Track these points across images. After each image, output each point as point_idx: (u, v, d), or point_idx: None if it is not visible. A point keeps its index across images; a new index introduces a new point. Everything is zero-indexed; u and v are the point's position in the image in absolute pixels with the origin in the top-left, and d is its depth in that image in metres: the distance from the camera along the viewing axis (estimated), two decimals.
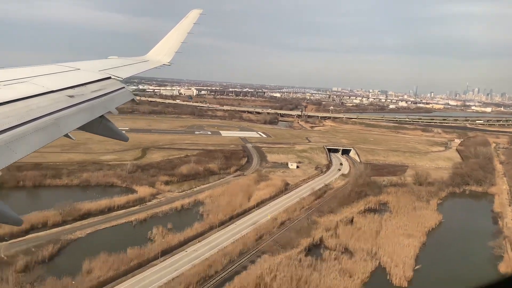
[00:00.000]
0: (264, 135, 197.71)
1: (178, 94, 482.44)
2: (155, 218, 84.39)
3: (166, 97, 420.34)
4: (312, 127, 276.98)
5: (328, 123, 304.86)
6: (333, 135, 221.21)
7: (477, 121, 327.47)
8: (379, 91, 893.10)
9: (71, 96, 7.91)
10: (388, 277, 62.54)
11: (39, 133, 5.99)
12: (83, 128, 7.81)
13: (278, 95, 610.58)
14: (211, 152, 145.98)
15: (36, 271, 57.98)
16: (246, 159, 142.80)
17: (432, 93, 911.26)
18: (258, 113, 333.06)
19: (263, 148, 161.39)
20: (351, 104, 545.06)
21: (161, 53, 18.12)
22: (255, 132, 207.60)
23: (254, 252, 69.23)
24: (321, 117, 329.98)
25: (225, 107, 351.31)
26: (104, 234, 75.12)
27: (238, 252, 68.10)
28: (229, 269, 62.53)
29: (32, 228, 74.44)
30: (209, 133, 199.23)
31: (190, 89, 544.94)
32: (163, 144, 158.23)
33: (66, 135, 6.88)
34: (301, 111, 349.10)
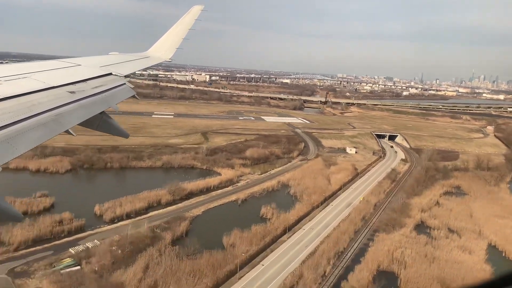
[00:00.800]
0: (307, 121, 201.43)
1: (191, 79, 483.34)
2: (253, 198, 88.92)
3: (181, 82, 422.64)
4: (341, 113, 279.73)
5: (354, 109, 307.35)
6: (371, 121, 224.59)
7: (508, 109, 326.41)
8: (384, 78, 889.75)
9: (72, 92, 7.89)
10: (503, 254, 67.18)
11: (40, 128, 5.95)
12: (84, 124, 7.77)
13: (287, 81, 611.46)
14: (267, 137, 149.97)
15: (183, 244, 62.58)
16: (303, 144, 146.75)
17: (438, 80, 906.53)
18: (281, 99, 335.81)
19: (313, 133, 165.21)
20: (364, 91, 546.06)
21: (162, 49, 18.08)
22: (295, 118, 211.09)
23: (367, 230, 73.85)
24: (345, 103, 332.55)
25: (247, 93, 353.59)
26: (216, 212, 79.67)
27: (352, 230, 72.72)
28: (354, 246, 67.21)
29: (150, 207, 79.26)
30: (252, 118, 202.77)
31: (201, 74, 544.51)
32: (217, 129, 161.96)
33: (67, 131, 6.88)
34: (325, 98, 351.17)
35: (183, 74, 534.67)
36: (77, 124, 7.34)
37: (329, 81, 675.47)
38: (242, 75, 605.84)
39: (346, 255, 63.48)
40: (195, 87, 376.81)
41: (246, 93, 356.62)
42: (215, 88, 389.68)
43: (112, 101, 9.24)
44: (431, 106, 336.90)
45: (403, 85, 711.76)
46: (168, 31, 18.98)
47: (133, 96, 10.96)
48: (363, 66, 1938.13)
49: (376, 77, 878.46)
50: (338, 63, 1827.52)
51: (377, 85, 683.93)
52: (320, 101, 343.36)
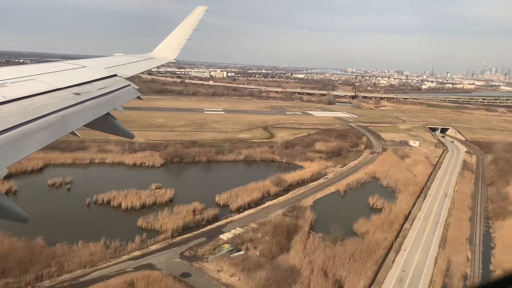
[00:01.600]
0: (354, 115, 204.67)
1: (209, 76, 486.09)
2: (351, 189, 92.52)
3: (202, 79, 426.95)
4: (376, 107, 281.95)
5: (386, 103, 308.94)
6: (414, 114, 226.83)
7: None
8: (395, 71, 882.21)
9: (77, 94, 7.91)
10: None
11: (45, 130, 5.98)
12: (90, 125, 7.79)
13: (302, 76, 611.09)
14: (327, 131, 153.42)
15: (320, 231, 66.30)
16: (365, 137, 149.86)
17: (449, 73, 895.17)
18: (309, 93, 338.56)
19: (369, 127, 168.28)
20: (383, 85, 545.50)
21: (167, 50, 18.21)
22: (340, 112, 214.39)
23: (479, 218, 77.41)
24: (379, 97, 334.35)
25: (274, 89, 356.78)
26: (325, 202, 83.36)
27: (466, 218, 76.47)
28: (476, 232, 70.68)
29: (263, 197, 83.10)
30: (299, 113, 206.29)
31: (216, 71, 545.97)
32: (274, 124, 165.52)
33: (73, 132, 6.92)
34: (354, 92, 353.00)
35: (200, 71, 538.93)
36: (83, 126, 7.37)
37: (343, 75, 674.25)
38: (255, 71, 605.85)
39: (475, 240, 66.91)
40: (219, 84, 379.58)
41: (273, 89, 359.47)
42: (237, 84, 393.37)
43: (117, 103, 9.20)
44: (461, 99, 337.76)
45: (416, 78, 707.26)
46: (173, 32, 19.08)
47: (138, 97, 10.87)
48: (372, 60, 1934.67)
49: (386, 71, 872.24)
50: (347, 57, 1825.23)
51: (393, 79, 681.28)
52: (348, 95, 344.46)
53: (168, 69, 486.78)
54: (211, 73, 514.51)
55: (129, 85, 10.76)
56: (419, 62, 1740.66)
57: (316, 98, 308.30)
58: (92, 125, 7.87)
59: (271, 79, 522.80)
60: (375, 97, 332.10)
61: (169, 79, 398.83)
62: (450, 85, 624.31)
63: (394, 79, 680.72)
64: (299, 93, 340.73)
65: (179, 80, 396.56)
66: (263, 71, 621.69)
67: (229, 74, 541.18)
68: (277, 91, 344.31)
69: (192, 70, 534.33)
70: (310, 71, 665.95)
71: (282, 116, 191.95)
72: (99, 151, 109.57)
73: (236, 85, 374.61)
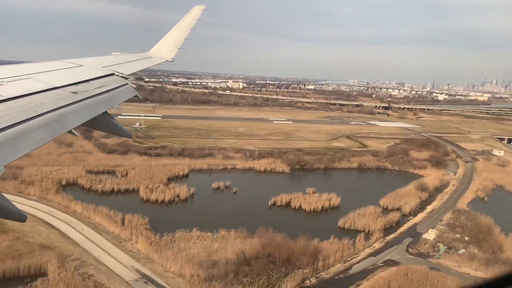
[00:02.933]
0: (416, 126, 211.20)
1: (226, 86, 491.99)
2: (489, 196, 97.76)
3: (229, 89, 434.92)
4: (417, 118, 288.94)
5: (423, 114, 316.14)
6: (468, 125, 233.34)
7: None
8: (396, 83, 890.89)
9: (74, 93, 7.92)
10: None
11: (42, 129, 5.97)
12: (87, 124, 7.80)
13: (312, 87, 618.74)
14: (410, 141, 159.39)
15: None
16: (449, 147, 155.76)
17: (450, 85, 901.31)
18: (341, 104, 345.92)
19: (443, 137, 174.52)
20: (399, 96, 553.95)
21: (164, 49, 18.22)
22: (402, 123, 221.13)
23: None
24: (406, 108, 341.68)
25: (302, 99, 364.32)
26: (480, 206, 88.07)
27: None
28: None
29: (420, 202, 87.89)
30: (363, 123, 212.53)
31: (228, 81, 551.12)
32: (352, 134, 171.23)
33: (70, 131, 6.92)
34: (388, 104, 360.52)
35: (217, 81, 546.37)
36: (80, 125, 7.40)
37: (354, 87, 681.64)
38: (264, 82, 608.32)
39: None
40: (248, 94, 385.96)
41: (302, 99, 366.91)
42: (264, 94, 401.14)
43: (115, 101, 9.24)
44: (491, 110, 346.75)
45: (422, 90, 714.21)
46: (170, 31, 19.05)
47: (136, 96, 10.98)
48: (373, 72, 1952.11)
49: (387, 82, 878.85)
50: (348, 69, 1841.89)
51: (403, 90, 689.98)
52: (384, 106, 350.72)
53: (182, 80, 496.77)
54: (227, 84, 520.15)
55: (127, 84, 10.76)
56: (419, 74, 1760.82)
57: (354, 109, 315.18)
58: (90, 124, 7.87)
59: (285, 89, 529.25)
60: (409, 108, 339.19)
61: (196, 90, 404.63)
62: (462, 97, 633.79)
63: (404, 90, 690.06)
64: (331, 104, 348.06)
65: (206, 90, 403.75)
66: (268, 81, 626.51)
67: (243, 85, 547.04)
68: (310, 102, 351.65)
69: (211, 81, 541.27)
70: (321, 82, 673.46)
71: (350, 126, 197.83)
72: (224, 157, 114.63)
73: (266, 96, 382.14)
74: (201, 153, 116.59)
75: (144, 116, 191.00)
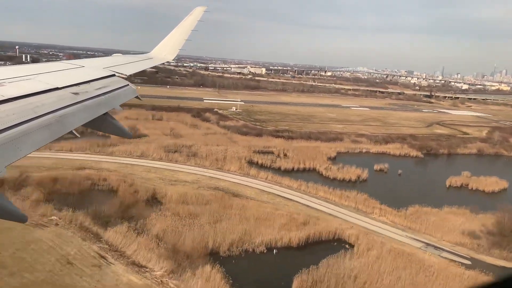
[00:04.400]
0: (487, 114, 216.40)
1: (248, 72, 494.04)
2: None
3: (256, 75, 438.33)
4: (468, 107, 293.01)
5: (470, 104, 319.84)
6: None
7: None
8: (405, 71, 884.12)
9: (75, 94, 7.97)
10: None
11: (43, 130, 6.03)
12: (88, 125, 7.84)
13: (329, 73, 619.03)
14: (498, 129, 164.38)
15: None
16: None
17: (459, 75, 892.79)
18: (382, 92, 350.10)
19: None
20: (423, 85, 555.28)
21: (165, 50, 18.36)
22: (471, 112, 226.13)
23: None
24: (447, 97, 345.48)
25: (341, 86, 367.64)
26: None
27: None
28: None
29: None
30: (434, 111, 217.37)
31: (246, 67, 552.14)
32: (439, 121, 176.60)
33: (71, 132, 6.99)
34: (430, 92, 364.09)
35: (238, 66, 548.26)
36: (81, 125, 7.42)
37: (374, 74, 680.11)
38: (283, 68, 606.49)
39: None
40: (285, 80, 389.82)
41: (341, 86, 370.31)
42: (299, 81, 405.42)
43: (116, 102, 9.25)
44: None
45: (429, 78, 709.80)
46: (171, 32, 19.21)
47: (136, 97, 11.04)
48: (382, 60, 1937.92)
49: (396, 70, 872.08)
50: (356, 56, 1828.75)
51: (421, 79, 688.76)
52: (426, 95, 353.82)
53: (201, 65, 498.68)
54: (250, 70, 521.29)
55: (128, 85, 10.84)
56: (428, 63, 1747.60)
57: (399, 97, 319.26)
58: (90, 124, 7.88)
59: (306, 76, 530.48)
60: (454, 98, 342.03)
61: (227, 75, 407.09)
62: (481, 87, 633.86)
63: (423, 79, 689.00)
64: (371, 91, 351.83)
65: (243, 76, 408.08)
66: (278, 67, 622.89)
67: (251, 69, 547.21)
68: (353, 89, 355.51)
69: (233, 66, 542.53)
70: (340, 69, 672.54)
71: (427, 114, 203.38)
72: (352, 141, 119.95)
73: (302, 82, 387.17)
74: (327, 137, 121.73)
75: (225, 100, 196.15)
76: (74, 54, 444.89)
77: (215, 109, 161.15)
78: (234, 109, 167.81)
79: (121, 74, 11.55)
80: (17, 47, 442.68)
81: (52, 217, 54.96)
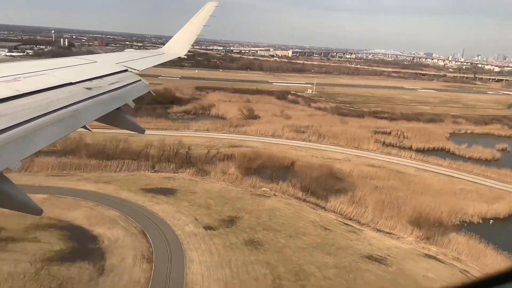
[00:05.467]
0: None
1: (275, 54, 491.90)
2: None
3: (282, 57, 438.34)
4: None
5: None
6: None
7: None
8: (424, 53, 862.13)
9: (88, 89, 8.02)
10: None
11: (57, 124, 6.09)
12: (101, 119, 7.92)
13: (353, 55, 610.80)
14: None
15: None
16: None
17: (480, 56, 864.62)
18: (423, 74, 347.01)
19: None
20: (455, 67, 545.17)
21: (177, 46, 18.43)
22: None
23: None
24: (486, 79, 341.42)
25: (384, 69, 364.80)
26: None
27: None
28: None
29: None
30: (499, 93, 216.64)
31: (270, 50, 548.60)
32: None
33: (84, 127, 7.03)
34: (474, 75, 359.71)
35: (264, 49, 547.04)
36: (94, 120, 7.50)
37: (399, 56, 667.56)
38: (305, 51, 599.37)
39: None
40: (324, 63, 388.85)
41: (384, 69, 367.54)
42: (334, 63, 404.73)
43: (128, 97, 9.30)
44: None
45: (453, 60, 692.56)
46: (183, 28, 19.11)
47: (149, 92, 10.91)
48: (399, 42, 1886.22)
49: (414, 52, 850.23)
50: (373, 39, 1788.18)
51: (447, 61, 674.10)
52: (465, 76, 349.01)
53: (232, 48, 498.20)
54: (276, 53, 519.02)
55: (140, 80, 10.75)
56: (446, 45, 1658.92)
57: (445, 78, 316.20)
58: (103, 119, 8.00)
59: (336, 58, 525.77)
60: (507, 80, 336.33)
61: (261, 58, 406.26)
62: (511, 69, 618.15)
63: (448, 61, 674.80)
64: (413, 73, 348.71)
65: (278, 59, 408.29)
66: (298, 50, 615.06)
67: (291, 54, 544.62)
68: (392, 71, 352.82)
69: (259, 49, 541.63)
70: (363, 51, 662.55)
71: (494, 96, 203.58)
72: (452, 123, 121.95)
73: (336, 65, 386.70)
74: (425, 118, 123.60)
75: (293, 83, 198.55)
76: (101, 39, 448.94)
77: (292, 92, 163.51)
78: (310, 91, 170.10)
79: (134, 69, 11.42)
80: (53, 31, 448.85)
81: (263, 188, 59.15)
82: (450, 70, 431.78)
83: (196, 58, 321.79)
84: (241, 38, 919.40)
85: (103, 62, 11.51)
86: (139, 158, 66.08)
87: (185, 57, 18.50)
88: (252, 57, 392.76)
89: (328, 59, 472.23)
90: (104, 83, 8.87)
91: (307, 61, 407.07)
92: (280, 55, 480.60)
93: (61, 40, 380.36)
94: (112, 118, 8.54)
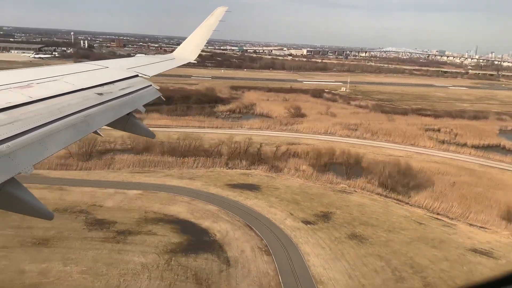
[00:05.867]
0: None
1: (289, 54, 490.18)
2: None
3: (298, 56, 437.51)
4: None
5: None
6: None
7: None
8: (437, 51, 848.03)
9: (100, 94, 8.14)
10: None
11: (69, 130, 6.17)
12: (112, 124, 7.95)
13: (365, 54, 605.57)
14: None
15: None
16: None
17: (493, 53, 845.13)
18: (445, 72, 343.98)
19: None
20: (473, 64, 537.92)
21: (187, 51, 18.49)
22: None
23: None
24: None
25: (408, 67, 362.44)
26: None
27: None
28: None
29: None
30: None
31: (283, 49, 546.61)
32: None
33: (95, 132, 7.09)
34: (497, 72, 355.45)
35: (277, 49, 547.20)
36: (105, 125, 7.56)
37: (414, 55, 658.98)
38: (322, 50, 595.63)
39: None
40: (344, 62, 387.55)
41: (406, 67, 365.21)
42: (353, 62, 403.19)
43: (139, 103, 9.36)
44: None
45: (462, 58, 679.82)
46: (193, 33, 19.19)
47: (159, 98, 10.91)
48: (410, 40, 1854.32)
49: (426, 50, 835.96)
50: (384, 37, 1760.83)
51: (464, 59, 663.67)
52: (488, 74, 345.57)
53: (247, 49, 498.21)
54: (291, 52, 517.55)
55: (150, 85, 10.79)
56: (459, 42, 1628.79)
57: (469, 76, 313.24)
58: (114, 124, 8.04)
59: (346, 57, 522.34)
60: None
61: (280, 58, 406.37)
62: None
63: (465, 59, 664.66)
64: (436, 71, 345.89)
65: (297, 58, 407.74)
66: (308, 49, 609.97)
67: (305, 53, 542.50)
68: (413, 69, 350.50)
69: (273, 49, 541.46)
70: (377, 50, 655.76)
71: None
72: (497, 119, 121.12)
73: (355, 63, 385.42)
74: (469, 115, 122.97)
75: (324, 81, 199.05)
76: (118, 40, 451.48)
77: (326, 90, 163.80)
78: (343, 89, 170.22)
79: (144, 74, 11.45)
80: (72, 33, 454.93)
81: (341, 185, 59.92)
82: (469, 67, 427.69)
83: (215, 58, 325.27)
84: (250, 38, 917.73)
85: (114, 68, 11.60)
86: (212, 155, 67.42)
87: (195, 62, 18.43)
88: (269, 57, 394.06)
89: (346, 58, 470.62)
90: (115, 89, 8.97)
91: (324, 59, 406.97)
92: (295, 54, 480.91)
93: (81, 42, 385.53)
94: (123, 123, 8.65)
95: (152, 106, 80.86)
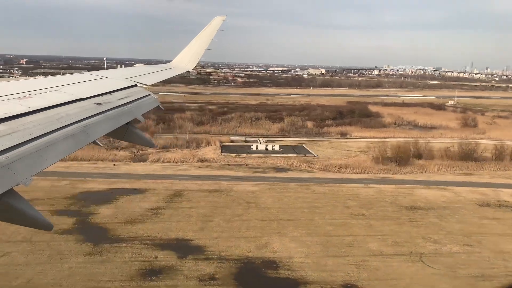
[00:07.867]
0: None
1: (308, 73, 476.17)
2: None
3: (319, 75, 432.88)
4: None
5: None
6: None
7: None
8: (433, 68, 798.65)
9: (98, 104, 7.96)
10: None
11: (68, 140, 6.03)
12: (111, 134, 7.85)
13: (377, 72, 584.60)
14: None
15: None
16: None
17: (488, 69, 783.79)
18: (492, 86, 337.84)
19: None
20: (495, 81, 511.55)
21: (185, 60, 18.21)
22: None
23: None
24: None
25: (453, 82, 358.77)
26: None
27: None
28: None
29: None
30: None
31: (298, 68, 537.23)
32: None
33: (94, 142, 6.87)
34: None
35: (298, 70, 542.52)
36: (104, 135, 7.35)
37: (419, 72, 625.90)
38: (338, 69, 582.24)
39: None
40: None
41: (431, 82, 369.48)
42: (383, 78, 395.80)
43: (138, 112, 9.14)
44: None
45: (467, 72, 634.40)
46: (191, 42, 18.93)
47: (158, 107, 10.58)
48: (407, 58, 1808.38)
49: (422, 67, 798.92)
50: (382, 55, 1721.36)
51: (468, 73, 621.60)
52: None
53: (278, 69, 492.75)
54: (309, 72, 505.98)
55: (149, 94, 10.58)
56: (455, 59, 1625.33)
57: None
58: (113, 134, 7.90)
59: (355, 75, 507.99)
60: None
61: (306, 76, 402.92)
62: None
63: (469, 74, 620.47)
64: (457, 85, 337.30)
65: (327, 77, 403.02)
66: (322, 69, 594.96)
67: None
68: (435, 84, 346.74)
69: (297, 71, 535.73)
70: (391, 68, 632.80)
71: None
72: None
73: (394, 80, 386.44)
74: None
75: (416, 96, 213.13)
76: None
77: (441, 104, 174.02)
78: (451, 102, 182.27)
79: (143, 84, 11.49)
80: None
81: None
82: (493, 82, 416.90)
83: (265, 77, 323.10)
84: (252, 60, 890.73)
85: (113, 78, 11.62)
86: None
87: (194, 71, 19.33)
88: (296, 75, 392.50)
89: (379, 75, 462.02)
90: (114, 98, 8.97)
91: (348, 77, 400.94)
92: (315, 74, 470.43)
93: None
94: (122, 133, 8.63)
95: None
